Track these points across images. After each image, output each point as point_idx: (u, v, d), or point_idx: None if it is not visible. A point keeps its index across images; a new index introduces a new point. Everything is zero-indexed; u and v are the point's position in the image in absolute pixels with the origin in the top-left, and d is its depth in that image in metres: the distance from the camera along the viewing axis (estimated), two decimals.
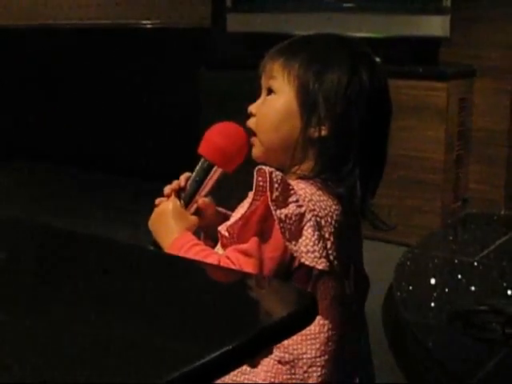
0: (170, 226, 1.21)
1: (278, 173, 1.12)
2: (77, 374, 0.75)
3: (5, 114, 4.86)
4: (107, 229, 3.48)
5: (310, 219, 1.13)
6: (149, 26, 4.47)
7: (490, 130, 3.72)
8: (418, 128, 3.50)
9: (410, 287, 2.82)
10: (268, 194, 1.10)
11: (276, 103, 1.21)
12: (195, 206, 1.22)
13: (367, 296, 1.25)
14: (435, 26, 3.62)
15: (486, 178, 3.75)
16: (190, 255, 1.16)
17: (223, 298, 0.97)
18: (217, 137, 1.23)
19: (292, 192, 1.13)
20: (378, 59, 1.28)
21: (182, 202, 1.22)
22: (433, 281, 2.93)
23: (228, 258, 1.16)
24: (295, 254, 1.13)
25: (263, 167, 1.12)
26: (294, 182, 1.16)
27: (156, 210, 1.24)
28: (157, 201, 1.25)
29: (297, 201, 1.12)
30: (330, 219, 1.16)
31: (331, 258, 1.16)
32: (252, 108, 1.23)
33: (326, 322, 1.18)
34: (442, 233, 3.54)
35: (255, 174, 1.12)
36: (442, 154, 3.53)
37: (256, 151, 1.24)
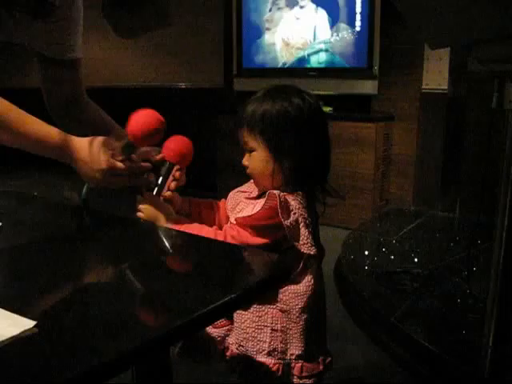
0: (160, 214, 1.15)
1: (281, 193, 1.11)
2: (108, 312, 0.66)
3: None
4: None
5: (302, 221, 1.12)
6: (182, 86, 4.49)
7: (404, 154, 3.86)
8: (356, 153, 3.62)
9: (352, 257, 2.86)
10: (279, 211, 1.08)
11: (257, 159, 1.15)
12: (165, 195, 1.18)
13: (323, 259, 1.24)
14: (368, 86, 3.69)
15: (401, 186, 3.84)
16: (191, 229, 1.13)
17: (218, 263, 0.89)
18: (178, 146, 1.17)
19: (288, 205, 1.11)
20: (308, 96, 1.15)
21: (156, 193, 1.17)
22: (366, 252, 2.94)
23: (226, 229, 1.13)
24: (298, 247, 1.12)
25: (273, 192, 1.11)
26: (287, 197, 1.12)
27: (146, 207, 1.16)
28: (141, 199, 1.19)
29: (292, 210, 1.11)
30: (310, 218, 1.14)
31: (314, 243, 1.15)
32: (244, 162, 1.18)
33: (311, 283, 1.15)
34: (373, 221, 3.58)
35: (267, 195, 1.11)
36: (371, 170, 3.62)
37: (255, 185, 1.22)
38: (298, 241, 1.11)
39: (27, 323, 0.61)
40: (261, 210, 1.10)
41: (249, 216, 1.12)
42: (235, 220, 1.14)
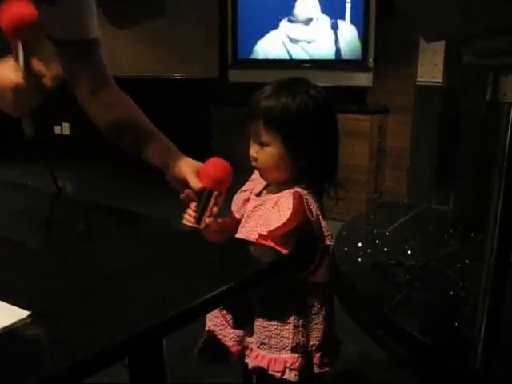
0: None
1: (303, 191, 1.09)
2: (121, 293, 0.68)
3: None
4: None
5: (320, 214, 1.10)
6: (178, 77, 4.48)
7: (398, 147, 3.90)
8: (352, 145, 3.62)
9: (346, 248, 2.88)
10: (306, 208, 1.06)
11: (271, 154, 1.12)
12: (206, 221, 1.15)
13: None
14: (363, 79, 3.70)
15: (395, 179, 3.85)
16: None
17: (227, 254, 0.91)
18: (215, 172, 1.14)
19: (306, 201, 1.08)
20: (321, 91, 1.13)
21: (197, 219, 1.16)
22: (360, 244, 2.96)
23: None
24: (321, 239, 1.10)
25: (298, 191, 1.08)
26: (304, 192, 1.11)
27: None
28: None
29: (310, 205, 1.08)
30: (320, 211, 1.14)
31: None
32: (253, 153, 1.14)
33: (328, 274, 1.16)
34: (366, 213, 3.61)
35: (293, 196, 1.07)
36: (366, 162, 3.65)
37: (261, 177, 1.19)
38: (322, 233, 1.09)
39: (21, 313, 0.60)
40: (290, 214, 1.05)
41: (279, 226, 1.06)
42: (268, 233, 1.07)
